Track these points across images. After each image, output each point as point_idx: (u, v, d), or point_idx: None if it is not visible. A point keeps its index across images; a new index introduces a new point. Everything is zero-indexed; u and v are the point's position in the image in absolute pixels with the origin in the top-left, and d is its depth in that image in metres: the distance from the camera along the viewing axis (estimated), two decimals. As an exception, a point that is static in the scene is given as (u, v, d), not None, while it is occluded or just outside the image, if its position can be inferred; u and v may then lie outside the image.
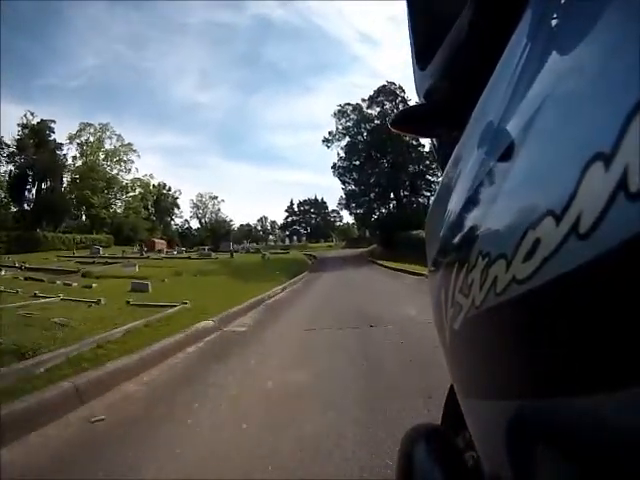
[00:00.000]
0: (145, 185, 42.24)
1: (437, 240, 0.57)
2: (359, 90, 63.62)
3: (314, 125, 73.48)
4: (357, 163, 27.84)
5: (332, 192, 68.12)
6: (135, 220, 39.61)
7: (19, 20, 39.93)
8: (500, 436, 0.37)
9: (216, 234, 48.38)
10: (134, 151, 41.05)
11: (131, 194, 41.12)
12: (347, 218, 60.28)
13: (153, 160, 67.18)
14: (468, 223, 0.45)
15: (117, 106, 59.16)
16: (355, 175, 27.91)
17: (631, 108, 0.21)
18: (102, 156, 39.40)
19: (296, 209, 67.08)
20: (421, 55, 0.67)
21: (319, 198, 65.88)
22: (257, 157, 79.24)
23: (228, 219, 53.19)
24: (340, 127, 28.07)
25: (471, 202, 0.45)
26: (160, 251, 25.27)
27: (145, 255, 21.76)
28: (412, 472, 0.57)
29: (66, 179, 36.86)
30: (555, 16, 0.34)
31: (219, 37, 61.03)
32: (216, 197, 54.14)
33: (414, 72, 0.71)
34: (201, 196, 53.52)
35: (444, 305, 0.51)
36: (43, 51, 48.09)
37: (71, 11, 49.11)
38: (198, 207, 52.99)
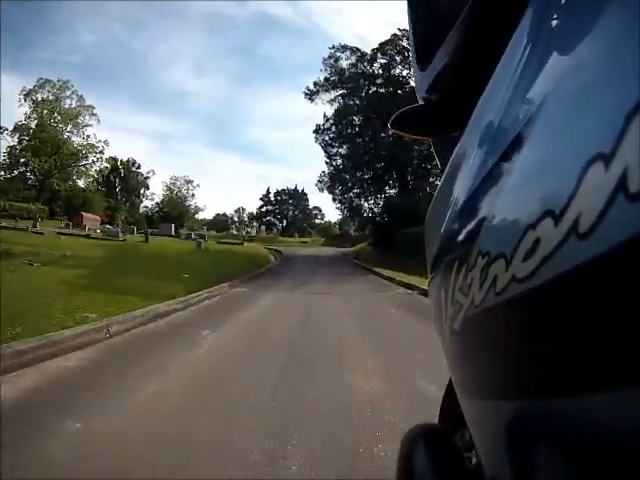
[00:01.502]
0: (99, 153, 40.25)
1: (437, 239, 0.60)
2: None
3: (303, 123, 74.92)
4: (349, 132, 19.14)
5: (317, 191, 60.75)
6: (90, 195, 38.35)
7: None
8: (500, 436, 0.39)
9: (168, 215, 45.86)
10: (94, 115, 38.78)
11: (83, 163, 39.20)
12: (330, 216, 58.58)
13: (139, 143, 67.90)
14: (468, 222, 0.47)
15: (109, 85, 59.84)
16: (346, 148, 19.33)
17: (631, 108, 0.21)
18: (58, 117, 37.37)
19: (272, 198, 58.20)
20: (421, 55, 0.70)
21: (299, 188, 57.30)
22: (243, 149, 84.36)
23: (194, 204, 52.85)
24: (331, 77, 19.34)
25: (471, 201, 0.47)
26: (83, 228, 23.40)
27: (56, 230, 18.66)
28: (412, 472, 0.60)
29: (14, 139, 35.59)
30: (555, 16, 0.37)
31: (217, 27, 64.70)
32: (191, 181, 52.82)
33: (414, 72, 0.73)
34: (175, 179, 52.38)
35: (444, 304, 0.53)
36: (37, 23, 48.39)
37: None
38: (171, 190, 51.81)
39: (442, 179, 0.68)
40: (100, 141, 39.33)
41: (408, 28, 0.72)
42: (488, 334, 0.39)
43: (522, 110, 0.37)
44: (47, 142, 34.72)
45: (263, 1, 62.11)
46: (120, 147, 59.81)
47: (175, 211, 47.54)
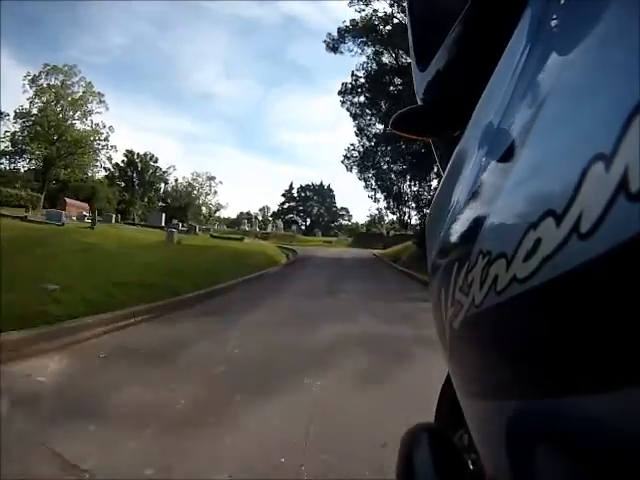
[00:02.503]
0: (103, 140, 39.08)
1: (437, 239, 0.61)
2: None
3: (329, 127, 73.68)
4: (388, 91, 13.21)
5: (343, 194, 59.50)
6: (98, 186, 37.72)
7: None
8: (500, 436, 0.39)
9: (170, 207, 44.85)
10: (102, 102, 37.89)
11: (87, 150, 37.86)
12: (357, 217, 56.92)
13: (167, 144, 69.33)
14: (468, 222, 0.48)
15: (137, 86, 61.26)
16: (380, 118, 13.29)
17: (632, 108, 0.21)
18: (63, 103, 36.47)
19: (295, 194, 52.71)
20: (421, 55, 0.71)
21: (325, 184, 51.78)
22: (271, 152, 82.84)
23: (215, 201, 52.53)
24: (360, 23, 13.70)
25: (471, 201, 0.49)
26: (60, 215, 19.90)
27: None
28: (412, 472, 0.61)
29: (15, 126, 34.92)
30: (555, 16, 0.38)
31: (245, 29, 64.68)
32: (213, 177, 51.72)
33: (414, 73, 0.75)
34: (197, 175, 51.28)
35: (444, 304, 0.54)
36: (68, 23, 50.11)
37: None
38: (193, 187, 50.77)
39: (443, 179, 0.70)
40: (105, 127, 38.46)
41: (408, 28, 0.75)
42: (488, 334, 0.40)
43: (522, 110, 0.38)
44: (49, 128, 34.38)
45: (292, 3, 63.24)
46: (148, 149, 61.00)
47: (177, 202, 46.39)
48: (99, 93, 37.48)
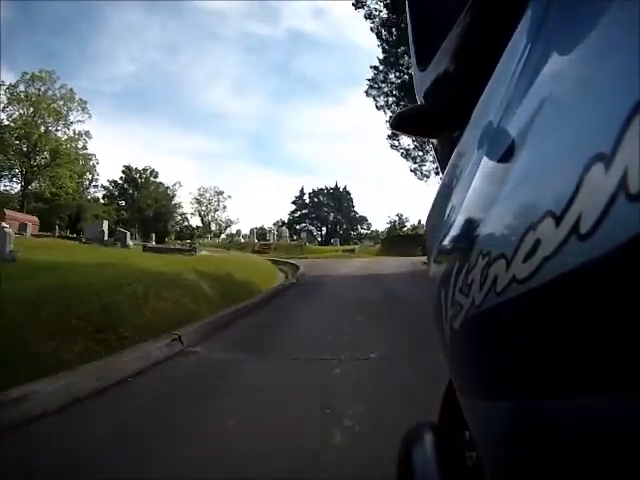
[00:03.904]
0: (81, 149, 36.35)
1: (437, 239, 0.63)
2: None
3: (341, 137, 72.27)
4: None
5: (360, 203, 63.33)
6: (86, 204, 35.79)
7: (57, 21, 41.77)
8: (500, 436, 0.41)
9: (140, 213, 40.60)
10: (84, 109, 35.63)
11: (64, 161, 34.44)
12: (377, 225, 55.05)
13: (185, 165, 69.98)
14: (468, 223, 0.50)
15: (150, 110, 59.43)
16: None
17: (631, 108, 0.22)
18: (43, 112, 34.14)
19: (308, 200, 45.38)
20: (421, 55, 0.73)
21: (340, 186, 44.78)
22: (284, 165, 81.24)
23: (225, 217, 50.14)
24: None
25: (471, 202, 0.50)
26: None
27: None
28: (412, 471, 0.63)
29: None
30: (555, 16, 0.39)
31: (252, 46, 66.80)
32: (221, 192, 49.36)
33: (414, 73, 0.78)
34: (204, 190, 48.89)
35: (444, 305, 0.56)
36: (79, 53, 52.60)
37: (109, 15, 53.83)
38: (200, 203, 48.67)
39: (442, 179, 0.73)
40: (81, 134, 36.37)
41: (408, 28, 0.77)
42: (488, 334, 0.41)
43: (522, 110, 0.39)
44: (20, 138, 32.92)
45: (294, 15, 65.39)
46: (167, 170, 67.11)
47: (149, 211, 42.44)
48: (81, 100, 36.15)
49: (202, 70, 69.39)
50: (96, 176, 39.83)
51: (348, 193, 52.86)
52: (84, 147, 36.51)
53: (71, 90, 35.49)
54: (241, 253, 18.25)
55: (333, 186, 52.69)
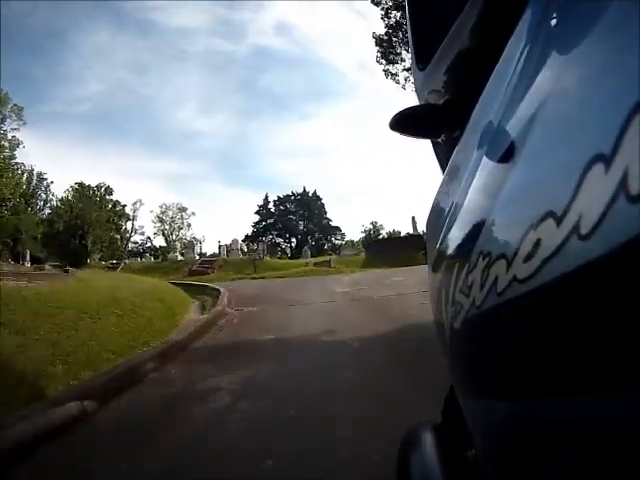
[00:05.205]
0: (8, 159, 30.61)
1: (438, 240, 0.64)
2: (358, 115, 66.91)
3: (313, 152, 69.77)
4: None
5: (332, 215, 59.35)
6: (21, 225, 29.46)
7: (25, 43, 41.95)
8: (499, 435, 0.42)
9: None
10: (18, 117, 29.58)
11: None
12: (351, 234, 50.43)
13: (154, 187, 66.50)
14: (468, 223, 0.51)
15: (119, 131, 60.33)
16: None
17: (631, 109, 0.22)
18: None
19: (272, 208, 38.21)
20: (421, 56, 0.73)
21: (309, 190, 38.46)
22: (256, 182, 76.78)
23: (190, 235, 42.81)
24: None
25: (472, 202, 0.52)
26: None
27: None
28: (412, 471, 0.64)
29: None
30: (554, 17, 0.41)
31: (218, 64, 63.52)
32: (185, 209, 43.91)
33: (414, 73, 0.79)
34: (166, 207, 43.47)
35: (444, 305, 0.57)
36: (47, 76, 49.42)
37: (77, 37, 53.55)
38: (163, 221, 43.15)
39: (442, 179, 0.73)
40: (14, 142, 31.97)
41: (407, 29, 0.79)
42: (488, 334, 0.42)
43: (522, 110, 0.40)
44: None
45: (259, 31, 62.03)
46: (136, 194, 59.88)
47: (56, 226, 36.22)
48: (16, 106, 32.21)
49: (169, 89, 67.85)
50: (51, 196, 36.80)
51: (319, 198, 47.70)
52: (11, 157, 32.12)
53: (6, 94, 31.60)
54: (143, 278, 10.11)
55: (301, 192, 46.67)
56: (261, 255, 21.76)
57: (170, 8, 56.26)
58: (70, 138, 60.29)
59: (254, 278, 14.87)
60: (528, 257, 0.31)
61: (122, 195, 56.98)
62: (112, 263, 25.35)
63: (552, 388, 0.30)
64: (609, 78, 0.26)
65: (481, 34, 0.55)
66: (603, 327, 0.24)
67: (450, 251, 0.58)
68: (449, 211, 0.59)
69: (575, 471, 0.29)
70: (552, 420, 0.30)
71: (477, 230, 0.45)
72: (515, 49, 0.46)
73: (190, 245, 30.57)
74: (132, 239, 45.21)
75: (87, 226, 35.32)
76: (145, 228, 46.11)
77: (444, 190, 0.68)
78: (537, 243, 0.30)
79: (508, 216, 0.39)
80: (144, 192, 52.78)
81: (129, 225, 44.23)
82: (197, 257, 24.59)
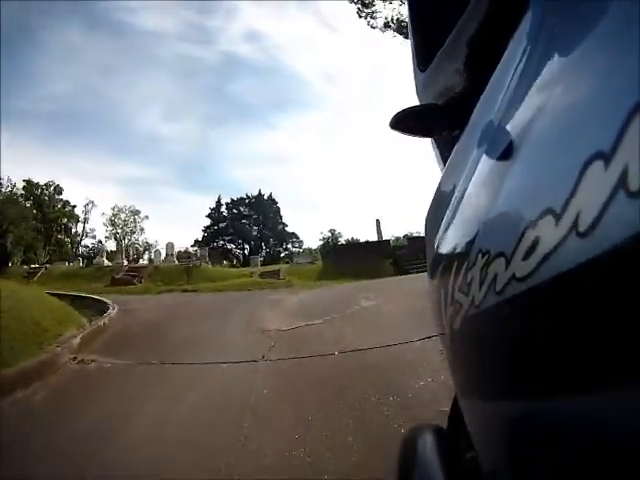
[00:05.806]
0: None
1: (436, 239, 0.65)
2: (322, 128, 64.26)
3: (277, 161, 68.54)
4: None
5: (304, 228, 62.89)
6: None
7: None
8: (499, 436, 0.42)
9: None
10: None
11: None
12: (309, 242, 48.26)
13: (114, 191, 67.13)
14: (467, 221, 0.52)
15: (82, 133, 57.92)
16: None
17: (631, 107, 0.23)
18: None
19: (225, 212, 34.62)
20: (422, 56, 0.75)
21: (264, 193, 35.64)
22: (220, 190, 72.80)
23: (143, 240, 40.78)
24: None
25: (471, 200, 0.52)
26: None
27: None
28: (412, 472, 0.63)
29: None
30: (555, 17, 0.41)
31: (186, 69, 62.42)
32: (138, 212, 41.14)
33: (414, 73, 0.79)
34: (118, 210, 40.64)
35: (444, 304, 0.57)
36: (13, 71, 43.90)
37: (47, 35, 51.21)
38: (115, 224, 40.35)
39: (441, 178, 0.74)
40: None
41: (408, 29, 0.80)
42: (488, 334, 0.42)
43: (522, 110, 0.41)
44: None
45: (229, 39, 62.76)
46: (95, 197, 53.84)
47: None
48: None
49: (136, 93, 65.77)
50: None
51: (274, 202, 45.83)
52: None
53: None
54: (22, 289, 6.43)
55: (255, 194, 43.45)
56: (199, 262, 18.51)
57: (141, 10, 58.88)
58: (30, 137, 58.82)
59: (186, 290, 12.48)
60: (527, 255, 0.31)
61: (79, 198, 56.87)
62: (32, 268, 21.41)
63: (552, 388, 0.30)
64: (609, 79, 0.27)
65: (482, 36, 0.55)
66: (603, 325, 0.24)
67: (449, 249, 0.57)
68: (448, 209, 0.59)
69: (575, 472, 0.29)
70: (552, 420, 0.30)
71: (476, 228, 0.45)
72: (516, 50, 0.46)
73: (119, 249, 25.24)
74: (83, 242, 42.56)
75: (7, 223, 28.36)
76: (98, 232, 43.91)
77: (443, 188, 0.69)
78: (536, 241, 0.30)
79: (507, 214, 0.39)
80: (104, 195, 49.99)
81: (80, 228, 41.97)
82: (125, 263, 21.02)
